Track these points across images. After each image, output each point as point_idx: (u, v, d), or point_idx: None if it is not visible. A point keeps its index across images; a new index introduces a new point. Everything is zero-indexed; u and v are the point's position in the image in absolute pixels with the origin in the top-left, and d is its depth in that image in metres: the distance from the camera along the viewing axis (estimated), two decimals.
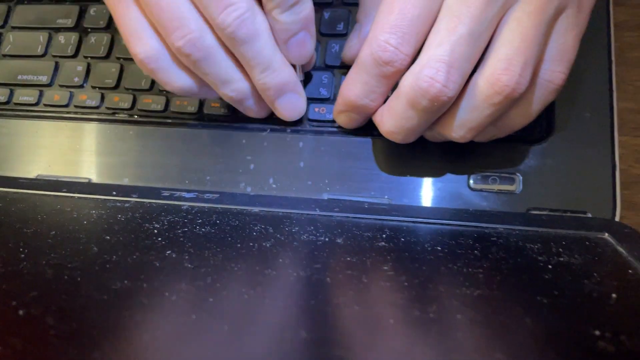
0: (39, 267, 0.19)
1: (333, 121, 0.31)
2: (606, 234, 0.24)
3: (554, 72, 0.25)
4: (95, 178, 0.33)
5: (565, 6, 0.24)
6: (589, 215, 0.28)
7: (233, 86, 0.28)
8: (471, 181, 0.30)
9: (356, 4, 0.34)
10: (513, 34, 0.23)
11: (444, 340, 0.16)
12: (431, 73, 0.23)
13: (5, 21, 0.38)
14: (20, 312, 0.16)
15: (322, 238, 0.23)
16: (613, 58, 0.31)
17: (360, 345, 0.15)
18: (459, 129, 0.26)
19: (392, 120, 0.26)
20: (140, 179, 0.32)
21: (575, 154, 0.29)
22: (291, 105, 0.30)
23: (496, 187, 0.30)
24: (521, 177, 0.29)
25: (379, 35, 0.24)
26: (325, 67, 0.33)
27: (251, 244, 0.22)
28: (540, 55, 0.24)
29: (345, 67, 0.32)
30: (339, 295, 0.18)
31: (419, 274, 0.20)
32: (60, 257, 0.20)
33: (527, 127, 0.28)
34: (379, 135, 0.30)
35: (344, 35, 0.33)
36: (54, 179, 0.33)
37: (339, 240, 0.23)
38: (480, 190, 0.30)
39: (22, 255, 0.20)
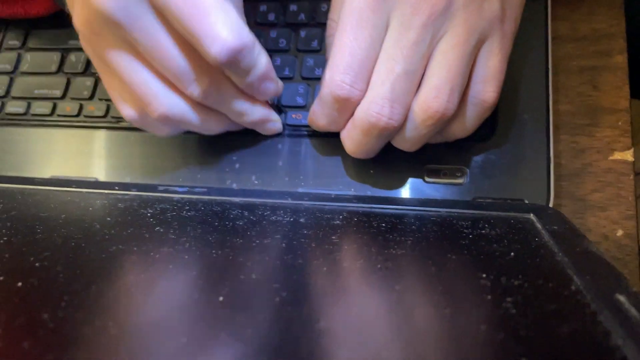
0: (51, 239, 0.24)
1: (307, 126, 0.36)
2: (531, 215, 0.29)
3: (486, 92, 0.29)
4: (101, 177, 0.38)
5: (487, 35, 0.28)
6: (527, 202, 0.32)
7: (212, 128, 0.34)
8: (425, 175, 0.34)
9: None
10: (440, 65, 0.27)
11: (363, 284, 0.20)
12: (377, 109, 0.28)
13: (24, 43, 0.43)
14: (37, 264, 0.20)
15: (288, 219, 0.28)
16: (550, 66, 0.35)
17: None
18: (406, 144, 0.31)
19: (352, 145, 0.31)
20: (140, 178, 0.37)
21: (516, 150, 0.34)
22: (268, 129, 0.36)
23: (447, 180, 0.34)
24: (468, 171, 0.34)
25: (335, 76, 0.28)
26: (301, 79, 0.38)
27: (227, 222, 0.27)
28: (467, 80, 0.29)
29: (317, 79, 0.37)
30: (294, 256, 0.23)
31: (360, 241, 0.24)
32: (68, 231, 0.25)
33: None
34: None
35: (317, 51, 0.38)
36: (65, 178, 0.38)
37: (301, 220, 0.27)
38: (434, 182, 0.34)
39: (39, 230, 0.25)
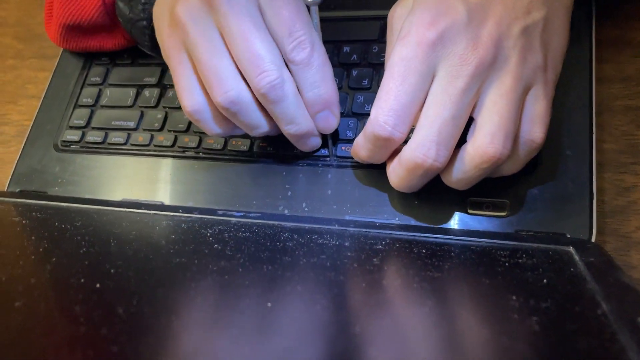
0: (124, 251, 0.27)
1: None
2: (571, 247, 0.29)
3: (534, 132, 0.30)
4: (166, 201, 0.41)
5: (532, 84, 0.30)
6: (568, 236, 0.33)
7: (260, 130, 0.36)
8: (468, 207, 0.35)
9: (378, 64, 0.41)
10: (491, 112, 0.29)
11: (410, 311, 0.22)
12: (424, 151, 0.29)
13: (104, 79, 0.48)
14: (112, 270, 0.23)
15: (334, 242, 0.30)
16: (594, 105, 0.36)
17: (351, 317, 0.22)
18: (457, 184, 0.32)
19: (397, 180, 0.33)
20: (202, 202, 0.40)
21: (559, 186, 0.34)
22: (308, 145, 0.38)
23: (489, 212, 0.35)
24: (511, 204, 0.35)
25: (379, 117, 0.30)
26: (351, 114, 0.40)
27: (278, 243, 0.29)
28: (517, 124, 0.30)
29: (366, 114, 0.40)
30: (336, 273, 0.25)
31: (399, 263, 0.26)
32: (138, 246, 0.28)
33: None
34: None
35: (368, 89, 0.41)
36: (135, 201, 0.42)
37: (346, 244, 0.30)
38: (476, 215, 0.35)
39: (112, 244, 0.28)
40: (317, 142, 0.38)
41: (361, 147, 0.34)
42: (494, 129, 0.29)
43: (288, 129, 0.35)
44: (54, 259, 0.25)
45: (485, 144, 0.29)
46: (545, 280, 0.23)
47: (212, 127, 0.36)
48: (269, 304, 0.20)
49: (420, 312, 0.20)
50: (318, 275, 0.23)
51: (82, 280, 0.22)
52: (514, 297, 0.21)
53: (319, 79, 0.34)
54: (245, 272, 0.24)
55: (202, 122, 0.36)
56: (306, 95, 0.34)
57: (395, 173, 0.33)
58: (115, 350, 0.17)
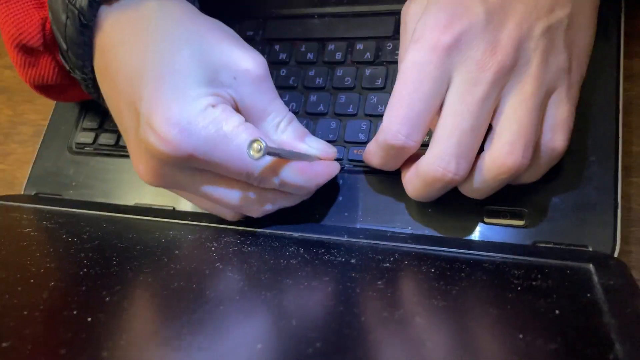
0: (124, 272, 0.27)
1: None
2: (590, 265, 0.28)
3: (555, 140, 0.29)
4: (178, 206, 0.41)
5: (555, 87, 0.28)
6: (590, 249, 0.31)
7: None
8: (485, 216, 0.34)
9: (392, 62, 0.40)
10: (511, 120, 0.28)
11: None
12: (443, 164, 0.28)
13: None
14: (107, 299, 0.23)
15: (340, 258, 0.29)
16: (621, 107, 0.34)
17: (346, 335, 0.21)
18: (475, 193, 0.31)
19: (414, 191, 0.31)
20: None
21: (580, 194, 0.33)
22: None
23: (507, 222, 0.34)
24: (530, 213, 0.33)
25: (392, 126, 0.29)
26: (364, 116, 0.39)
27: (282, 260, 0.28)
28: (539, 131, 0.28)
29: (380, 115, 0.38)
30: (336, 300, 0.24)
31: (404, 289, 0.25)
32: (140, 264, 0.27)
33: None
34: None
35: (382, 89, 0.39)
36: (146, 206, 0.41)
37: (352, 260, 0.29)
38: (493, 223, 0.34)
39: (114, 263, 0.28)
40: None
41: (373, 155, 0.32)
42: (513, 137, 0.27)
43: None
44: (52, 278, 0.25)
45: (503, 154, 0.28)
46: (557, 312, 0.22)
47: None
48: (259, 346, 0.19)
49: (417, 351, 0.19)
50: (311, 305, 0.23)
51: (74, 312, 0.21)
52: (521, 336, 0.20)
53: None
54: (242, 300, 0.23)
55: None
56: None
57: (412, 184, 0.31)
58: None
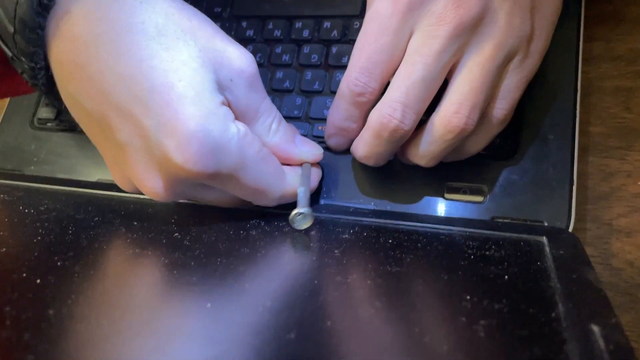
0: (78, 240, 0.26)
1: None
2: (544, 237, 0.28)
3: (498, 109, 0.29)
4: None
5: (515, 53, 0.28)
6: (546, 224, 0.32)
7: None
8: (445, 192, 0.34)
9: None
10: (464, 81, 0.28)
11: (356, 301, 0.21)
12: (389, 111, 0.28)
13: None
14: (59, 263, 0.23)
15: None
16: (579, 87, 0.34)
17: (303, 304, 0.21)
18: (422, 158, 0.31)
19: (364, 147, 0.31)
20: None
21: (538, 171, 0.33)
22: None
23: (466, 197, 0.34)
24: (489, 189, 0.34)
25: (352, 74, 0.30)
26: (329, 93, 0.39)
27: (241, 231, 0.28)
28: (491, 96, 0.29)
29: None
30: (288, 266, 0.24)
31: (360, 256, 0.25)
32: (96, 234, 0.27)
33: (495, 145, 0.33)
34: None
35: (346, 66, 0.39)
36: (109, 182, 0.41)
37: (312, 232, 0.29)
38: (453, 199, 0.34)
39: (70, 232, 0.27)
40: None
41: (336, 108, 0.33)
42: (462, 98, 0.28)
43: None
44: (4, 245, 0.25)
45: (450, 114, 0.28)
46: (506, 277, 0.22)
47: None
48: (208, 305, 0.19)
49: (365, 311, 0.19)
50: (268, 268, 0.23)
51: (23, 275, 0.21)
52: (468, 297, 0.20)
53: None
54: (197, 267, 0.23)
55: None
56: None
57: (362, 140, 0.31)
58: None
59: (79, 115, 0.30)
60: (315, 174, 0.34)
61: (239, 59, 0.29)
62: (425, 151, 0.30)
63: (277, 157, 0.32)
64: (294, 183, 0.31)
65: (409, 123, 0.28)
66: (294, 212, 0.28)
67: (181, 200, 0.33)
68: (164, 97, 0.26)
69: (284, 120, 0.33)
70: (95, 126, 0.29)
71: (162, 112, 0.26)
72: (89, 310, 0.19)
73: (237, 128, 0.28)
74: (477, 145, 0.31)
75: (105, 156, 0.31)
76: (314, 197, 0.36)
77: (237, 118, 0.29)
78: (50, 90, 0.31)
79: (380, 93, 0.30)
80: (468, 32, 0.27)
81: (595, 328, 0.17)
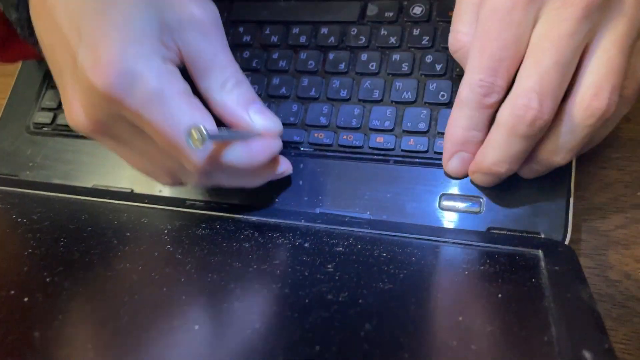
0: (70, 253, 0.26)
1: (329, 146, 0.37)
2: (540, 251, 0.28)
3: (627, 89, 0.27)
4: (137, 189, 0.40)
5: None
6: (542, 236, 0.32)
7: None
8: (442, 201, 0.34)
9: (357, 47, 0.39)
10: (600, 61, 0.26)
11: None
12: (525, 101, 0.26)
13: None
14: (48, 279, 0.22)
15: (294, 242, 0.29)
16: None
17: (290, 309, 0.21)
18: (560, 152, 0.29)
19: (496, 151, 0.29)
20: (170, 191, 0.39)
21: (536, 182, 0.33)
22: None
23: (463, 207, 0.34)
24: (485, 200, 0.33)
25: (474, 76, 0.27)
26: (326, 100, 0.39)
27: (234, 243, 0.28)
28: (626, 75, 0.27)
29: (342, 100, 0.38)
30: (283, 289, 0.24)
31: (355, 271, 0.25)
32: (88, 246, 0.27)
33: None
34: (367, 160, 0.36)
35: (345, 73, 0.39)
36: (104, 188, 0.41)
37: (306, 245, 0.28)
38: (449, 209, 0.34)
39: (62, 244, 0.27)
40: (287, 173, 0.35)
41: (458, 117, 0.30)
42: (600, 80, 0.26)
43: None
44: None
45: (588, 97, 0.26)
46: (500, 295, 0.22)
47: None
48: (196, 327, 0.19)
49: (353, 333, 0.19)
50: (256, 287, 0.23)
51: (12, 292, 0.21)
52: (460, 318, 0.20)
53: None
54: (186, 282, 0.23)
55: None
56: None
57: (492, 143, 0.29)
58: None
59: (45, 53, 0.31)
60: (266, 147, 0.31)
61: (193, 4, 0.29)
62: (564, 143, 0.28)
63: (223, 121, 0.30)
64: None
65: (548, 111, 0.26)
66: (193, 126, 0.25)
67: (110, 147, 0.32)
68: (96, 23, 0.26)
69: (245, 84, 0.32)
70: (51, 60, 0.30)
71: (90, 35, 0.26)
72: (75, 329, 0.19)
73: (165, 65, 0.27)
74: (608, 129, 0.30)
75: (61, 91, 0.31)
76: (300, 201, 0.36)
77: (188, 68, 0.29)
78: (35, 39, 0.32)
79: (507, 92, 0.28)
80: (598, 11, 0.25)
81: (588, 355, 0.17)
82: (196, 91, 0.30)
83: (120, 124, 0.28)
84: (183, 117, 0.27)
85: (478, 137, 0.30)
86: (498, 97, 0.28)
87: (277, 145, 0.32)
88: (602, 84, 0.26)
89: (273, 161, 0.34)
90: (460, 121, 0.30)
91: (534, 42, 0.26)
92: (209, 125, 0.27)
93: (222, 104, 0.30)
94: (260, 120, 0.31)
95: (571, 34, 0.25)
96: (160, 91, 0.26)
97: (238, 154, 0.29)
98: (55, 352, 0.17)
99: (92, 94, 0.27)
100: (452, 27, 0.31)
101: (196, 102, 0.28)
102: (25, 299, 0.20)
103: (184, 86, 0.28)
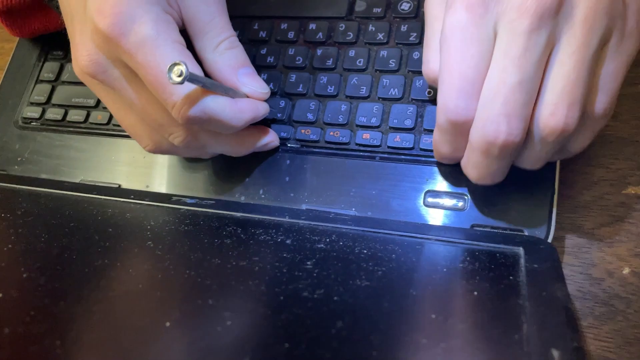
0: (49, 249, 0.26)
1: (315, 142, 0.37)
2: (520, 248, 0.28)
3: (597, 102, 0.26)
4: (124, 184, 0.40)
5: (610, 35, 0.25)
6: (526, 233, 0.32)
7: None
8: (426, 199, 0.34)
9: (344, 43, 0.39)
10: (557, 77, 0.25)
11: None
12: (494, 127, 0.25)
13: (67, 53, 0.47)
14: (25, 275, 0.22)
15: (276, 239, 0.29)
16: None
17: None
18: (526, 162, 0.29)
19: (476, 170, 0.29)
20: (158, 186, 0.39)
21: (520, 179, 0.33)
22: (267, 148, 0.38)
23: (447, 204, 0.34)
24: (470, 197, 0.33)
25: (448, 102, 0.27)
26: (314, 96, 0.39)
27: (216, 240, 0.28)
28: (590, 88, 0.26)
29: (330, 96, 0.38)
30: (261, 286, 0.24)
31: (334, 268, 0.25)
32: (68, 242, 0.27)
33: None
34: (353, 156, 0.36)
35: (332, 69, 0.39)
36: (92, 183, 0.41)
37: (288, 241, 0.28)
38: (434, 206, 0.34)
39: (42, 240, 0.27)
40: (274, 144, 0.37)
41: (440, 143, 0.30)
42: (556, 97, 0.25)
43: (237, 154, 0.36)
44: None
45: (546, 116, 0.25)
46: (475, 293, 0.22)
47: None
48: (167, 324, 0.19)
49: (323, 328, 0.19)
50: (235, 284, 0.23)
51: None
52: (433, 316, 0.20)
53: None
54: (162, 280, 0.23)
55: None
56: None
57: (470, 163, 0.29)
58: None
59: (60, 3, 0.33)
60: (253, 105, 0.33)
61: None
62: (536, 153, 0.28)
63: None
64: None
65: (518, 132, 0.26)
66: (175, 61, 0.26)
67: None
68: None
69: (239, 49, 0.34)
70: (65, 10, 0.32)
71: None
72: (46, 327, 0.19)
73: (164, 15, 0.29)
74: (582, 143, 0.29)
75: (70, 35, 0.32)
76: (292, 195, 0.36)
77: (186, 27, 0.31)
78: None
79: None
80: (553, 21, 0.24)
81: (556, 353, 0.17)
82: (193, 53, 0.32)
83: (117, 68, 0.30)
84: (172, 60, 0.27)
85: (462, 154, 0.30)
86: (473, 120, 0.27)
87: (263, 107, 0.34)
88: (558, 102, 0.25)
89: (259, 130, 0.36)
90: (443, 146, 0.30)
91: (496, 59, 0.25)
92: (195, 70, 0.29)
93: (214, 63, 0.32)
94: (248, 83, 0.33)
95: (529, 48, 0.24)
96: (155, 35, 0.28)
97: (223, 105, 0.30)
98: (28, 344, 0.17)
99: (95, 35, 0.29)
100: (424, 58, 0.31)
101: (188, 53, 0.30)
102: (0, 295, 0.20)
103: (179, 37, 0.30)
